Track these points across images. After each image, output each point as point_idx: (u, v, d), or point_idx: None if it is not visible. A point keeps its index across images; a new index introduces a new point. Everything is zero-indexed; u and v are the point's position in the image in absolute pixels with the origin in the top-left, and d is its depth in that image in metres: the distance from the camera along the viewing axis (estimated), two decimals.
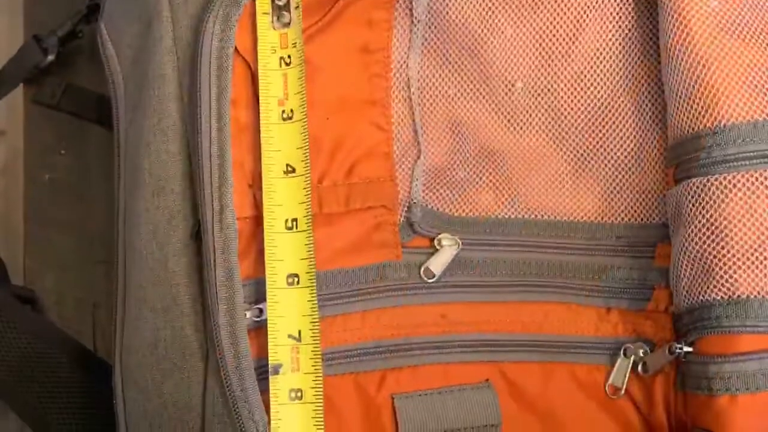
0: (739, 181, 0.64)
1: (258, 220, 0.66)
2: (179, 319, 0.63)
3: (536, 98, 0.75)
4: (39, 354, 0.71)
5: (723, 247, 0.64)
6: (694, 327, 0.65)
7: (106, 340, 0.83)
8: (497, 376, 0.71)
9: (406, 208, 0.72)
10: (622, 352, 0.71)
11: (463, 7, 0.74)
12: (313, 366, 0.62)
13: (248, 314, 0.64)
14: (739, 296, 0.63)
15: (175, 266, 0.64)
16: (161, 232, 0.64)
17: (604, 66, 0.74)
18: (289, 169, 0.66)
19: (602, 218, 0.74)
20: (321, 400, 0.62)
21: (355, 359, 0.69)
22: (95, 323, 0.85)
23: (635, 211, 0.74)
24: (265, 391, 0.62)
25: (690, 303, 0.66)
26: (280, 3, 0.67)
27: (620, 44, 0.74)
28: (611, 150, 0.74)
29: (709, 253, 0.64)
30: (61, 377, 0.71)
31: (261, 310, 0.65)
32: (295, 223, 0.65)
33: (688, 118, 0.66)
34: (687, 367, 0.66)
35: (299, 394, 0.62)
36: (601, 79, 0.74)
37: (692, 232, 0.65)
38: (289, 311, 0.63)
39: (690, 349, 0.65)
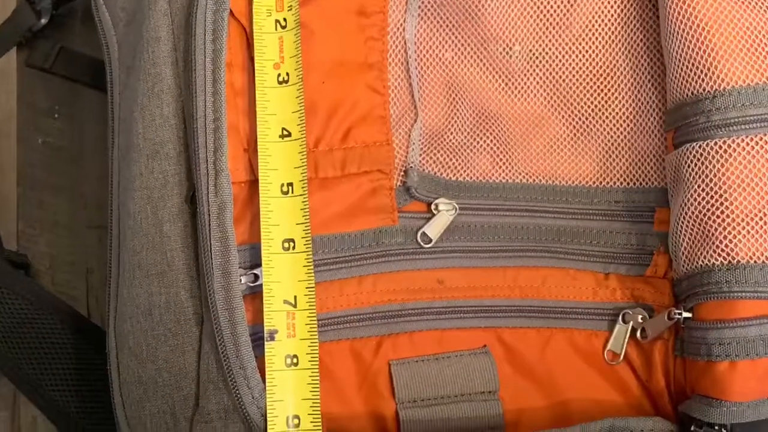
0: (738, 145, 0.64)
1: (253, 185, 0.66)
2: (174, 284, 0.64)
3: (534, 62, 0.74)
4: (32, 319, 0.71)
5: (723, 212, 0.64)
6: (694, 292, 0.65)
7: (100, 305, 0.82)
8: (495, 342, 0.70)
9: (402, 173, 0.71)
10: (620, 317, 0.70)
11: None
12: (308, 332, 0.63)
13: (243, 279, 0.64)
14: (739, 261, 0.63)
15: (169, 231, 0.64)
16: (156, 196, 0.65)
17: (603, 30, 0.73)
18: (285, 133, 0.66)
19: (600, 183, 0.74)
20: (317, 367, 0.62)
21: (352, 325, 0.69)
22: (89, 288, 0.85)
23: (634, 176, 0.73)
24: (260, 357, 0.62)
25: (689, 268, 0.66)
26: None
27: (619, 8, 0.73)
28: (609, 114, 0.74)
29: (709, 218, 0.64)
30: (54, 343, 0.71)
31: (256, 276, 0.64)
32: (290, 187, 0.65)
33: (687, 82, 0.66)
34: (686, 333, 0.66)
35: (295, 360, 0.62)
36: (600, 43, 0.74)
37: (691, 196, 0.65)
38: (285, 277, 0.63)
39: (689, 315, 0.65)
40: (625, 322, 0.70)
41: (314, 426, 0.61)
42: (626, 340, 0.69)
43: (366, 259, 0.70)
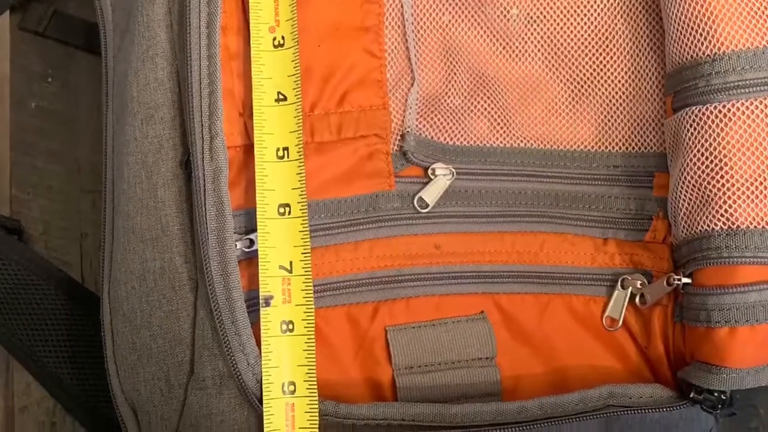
0: (738, 109, 0.63)
1: (249, 150, 0.66)
2: (168, 249, 0.63)
3: (531, 25, 0.74)
4: (25, 285, 0.70)
5: (722, 177, 0.63)
6: (693, 258, 0.65)
7: (93, 270, 0.81)
8: (492, 308, 0.70)
9: (399, 137, 0.71)
10: (619, 283, 0.70)
11: None
12: (304, 298, 0.62)
13: (239, 245, 0.63)
14: (738, 226, 0.62)
15: (164, 196, 0.63)
16: (150, 161, 0.64)
17: None
18: (281, 97, 0.65)
19: (599, 147, 0.73)
20: (312, 333, 0.62)
21: (348, 291, 0.68)
22: (83, 254, 0.84)
23: (632, 140, 0.73)
24: (255, 323, 0.62)
25: (689, 234, 0.65)
26: None
27: None
28: (608, 78, 0.73)
29: (708, 183, 0.64)
30: (47, 309, 0.71)
31: (252, 241, 0.64)
32: (286, 152, 0.64)
33: (686, 45, 0.65)
34: (686, 299, 0.66)
35: (290, 326, 0.62)
36: (598, 7, 0.73)
37: (691, 161, 0.65)
38: (281, 242, 0.63)
39: (689, 281, 0.65)
40: (623, 287, 0.69)
41: (310, 392, 0.61)
42: (625, 306, 0.69)
43: (362, 224, 0.69)
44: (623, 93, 0.73)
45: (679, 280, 0.65)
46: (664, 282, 0.66)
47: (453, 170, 0.70)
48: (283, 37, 0.65)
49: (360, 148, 0.69)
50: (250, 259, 0.64)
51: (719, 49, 0.63)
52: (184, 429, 0.62)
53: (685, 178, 0.65)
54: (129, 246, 0.64)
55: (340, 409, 0.61)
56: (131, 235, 0.64)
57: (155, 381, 0.63)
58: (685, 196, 0.65)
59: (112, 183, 0.67)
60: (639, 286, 0.68)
